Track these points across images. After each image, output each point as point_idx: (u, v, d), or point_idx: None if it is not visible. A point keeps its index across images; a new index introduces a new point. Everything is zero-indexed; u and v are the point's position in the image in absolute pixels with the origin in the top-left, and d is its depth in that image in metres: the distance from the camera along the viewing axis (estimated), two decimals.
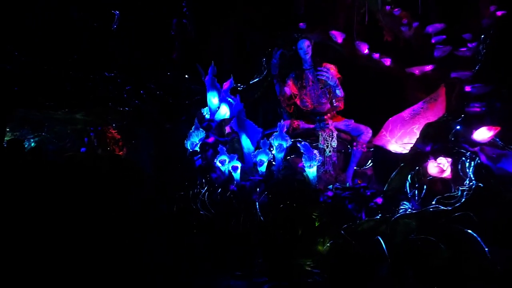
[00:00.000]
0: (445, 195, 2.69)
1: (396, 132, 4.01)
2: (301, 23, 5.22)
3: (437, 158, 3.03)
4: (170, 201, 3.73)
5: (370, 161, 4.63)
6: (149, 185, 4.72)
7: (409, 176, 3.15)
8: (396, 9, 4.81)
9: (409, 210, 2.81)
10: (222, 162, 3.40)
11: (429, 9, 4.72)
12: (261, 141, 3.46)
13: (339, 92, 4.22)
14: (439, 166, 2.89)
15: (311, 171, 3.33)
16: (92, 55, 5.30)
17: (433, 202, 2.66)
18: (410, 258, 2.37)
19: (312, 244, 2.87)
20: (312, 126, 4.38)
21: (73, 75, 5.29)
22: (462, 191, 2.65)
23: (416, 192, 3.00)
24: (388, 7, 4.87)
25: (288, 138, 3.50)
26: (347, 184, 4.21)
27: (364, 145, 4.38)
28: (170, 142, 4.99)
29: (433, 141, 3.37)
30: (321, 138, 4.26)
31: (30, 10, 5.03)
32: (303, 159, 3.40)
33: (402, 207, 2.85)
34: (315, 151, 3.39)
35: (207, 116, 4.21)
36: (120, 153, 6.11)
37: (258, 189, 3.25)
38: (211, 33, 5.09)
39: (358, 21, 5.19)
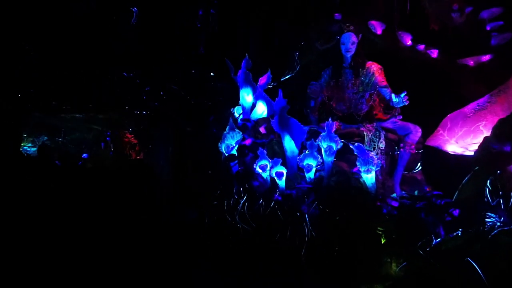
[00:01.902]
0: None
1: (457, 131, 3.49)
2: (336, 13, 4.77)
3: None
4: (201, 211, 3.33)
5: (419, 164, 4.11)
6: (166, 192, 4.35)
7: (488, 181, 2.64)
8: None
9: (499, 224, 2.30)
10: (263, 168, 2.94)
11: None
12: (308, 142, 2.99)
13: (396, 99, 3.52)
14: None
15: (369, 177, 2.84)
16: (109, 53, 4.96)
17: None
18: None
19: (378, 266, 2.38)
20: (354, 126, 3.90)
21: (89, 76, 4.97)
22: None
23: (502, 201, 2.48)
24: None
25: (338, 139, 3.02)
26: (397, 191, 3.72)
27: (413, 146, 3.86)
28: (196, 146, 4.58)
29: (511, 139, 2.86)
30: (367, 139, 3.77)
31: (46, 8, 4.73)
32: (357, 163, 2.92)
33: (488, 220, 2.34)
34: (372, 153, 2.91)
35: (240, 116, 3.77)
36: (137, 158, 5.78)
37: (306, 199, 2.78)
38: (239, 25, 4.66)
39: (399, 9, 4.71)
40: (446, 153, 3.82)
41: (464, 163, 3.30)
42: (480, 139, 3.35)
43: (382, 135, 3.80)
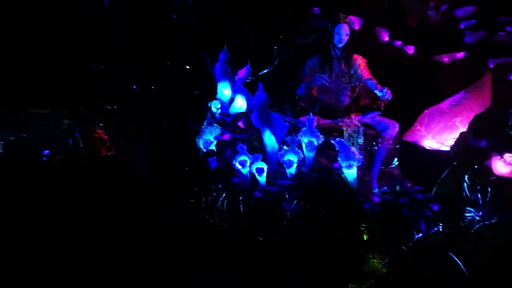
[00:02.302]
0: None
1: (434, 126, 3.53)
2: (315, 7, 4.74)
3: (503, 155, 2.55)
4: (178, 209, 3.19)
5: (396, 159, 4.13)
6: (146, 190, 4.18)
7: (466, 176, 2.66)
8: None
9: (478, 218, 2.32)
10: (243, 164, 2.84)
11: None
12: (289, 138, 2.91)
13: (380, 93, 3.53)
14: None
15: (351, 172, 2.80)
16: (81, 44, 4.68)
17: None
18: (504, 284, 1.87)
19: (361, 263, 2.34)
20: (333, 121, 3.87)
21: (58, 69, 4.69)
22: None
23: (480, 196, 2.51)
24: None
25: (318, 134, 2.96)
26: (374, 186, 3.73)
27: (391, 141, 3.88)
28: (172, 142, 4.42)
29: (487, 135, 2.90)
30: (346, 134, 3.75)
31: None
32: (339, 158, 2.88)
33: (468, 214, 2.35)
34: (353, 149, 2.87)
35: (217, 111, 3.65)
36: (108, 154, 5.54)
37: (287, 196, 2.71)
38: (217, 18, 4.52)
39: (377, 4, 4.73)
40: (422, 148, 3.87)
41: (439, 158, 3.35)
42: (456, 134, 3.40)
43: (361, 131, 3.79)
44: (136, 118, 4.92)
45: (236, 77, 3.38)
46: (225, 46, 3.39)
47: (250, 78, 4.52)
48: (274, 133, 2.91)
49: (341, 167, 2.84)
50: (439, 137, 3.52)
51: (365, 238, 2.38)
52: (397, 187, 2.80)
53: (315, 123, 3.02)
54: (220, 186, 2.86)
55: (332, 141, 2.95)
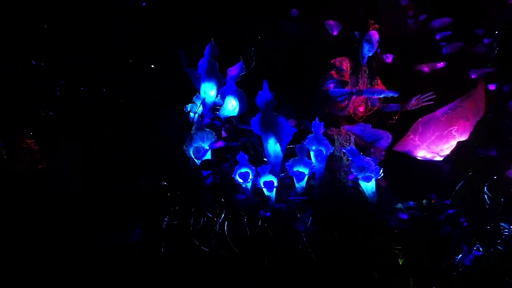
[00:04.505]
0: None
1: (429, 136, 3.38)
2: (293, 9, 4.47)
3: None
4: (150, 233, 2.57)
5: (381, 170, 3.94)
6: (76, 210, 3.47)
7: (486, 187, 2.48)
8: None
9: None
10: (244, 177, 2.35)
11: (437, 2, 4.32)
12: (297, 146, 2.49)
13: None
14: None
15: (369, 185, 2.46)
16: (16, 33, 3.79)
17: None
18: None
19: None
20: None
21: None
22: None
23: (506, 210, 2.32)
24: None
25: (327, 142, 2.58)
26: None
27: (383, 152, 3.70)
28: (128, 151, 3.72)
29: (495, 144, 2.78)
30: (337, 144, 3.47)
31: None
32: (353, 170, 2.53)
33: (505, 231, 2.13)
34: (368, 159, 2.54)
35: (192, 115, 3.11)
36: (38, 167, 4.62)
37: (298, 214, 2.27)
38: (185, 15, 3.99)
39: (356, 10, 4.60)
40: (408, 158, 3.71)
41: (442, 169, 3.19)
42: (453, 144, 3.28)
43: (353, 139, 3.56)
44: (76, 124, 4.12)
45: (228, 76, 2.90)
46: (212, 39, 2.89)
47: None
48: (279, 140, 2.47)
49: (357, 179, 2.49)
50: (435, 146, 3.37)
51: (400, 263, 2.03)
52: (424, 201, 2.52)
53: (322, 130, 2.63)
54: (216, 206, 2.32)
55: (344, 150, 2.60)
